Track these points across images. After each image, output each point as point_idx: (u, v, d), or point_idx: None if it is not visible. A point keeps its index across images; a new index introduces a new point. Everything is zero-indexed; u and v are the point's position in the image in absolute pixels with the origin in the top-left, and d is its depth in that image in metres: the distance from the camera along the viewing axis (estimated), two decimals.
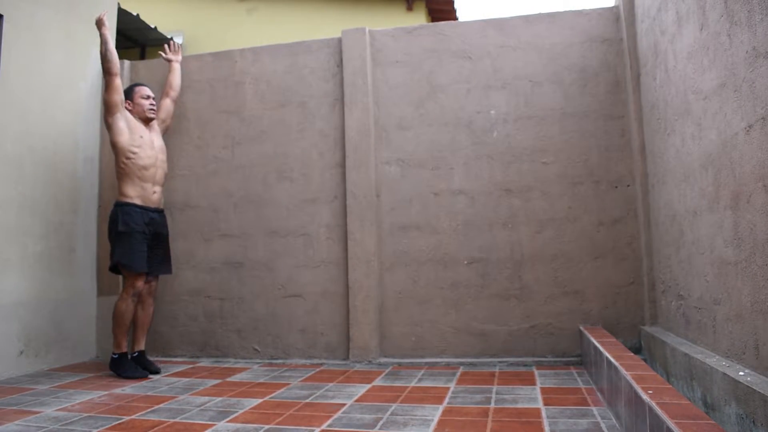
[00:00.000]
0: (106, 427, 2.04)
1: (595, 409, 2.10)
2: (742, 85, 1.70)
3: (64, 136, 3.50)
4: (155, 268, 3.15)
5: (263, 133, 3.60)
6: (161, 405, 2.36)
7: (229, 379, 2.88)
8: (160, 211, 3.20)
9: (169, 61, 3.58)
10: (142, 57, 6.15)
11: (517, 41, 3.33)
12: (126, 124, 3.10)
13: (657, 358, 2.64)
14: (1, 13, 3.05)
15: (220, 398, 2.46)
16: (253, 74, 3.67)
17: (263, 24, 6.42)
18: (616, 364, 1.96)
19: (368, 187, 3.35)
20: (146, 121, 3.22)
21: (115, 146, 3.08)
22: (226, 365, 3.30)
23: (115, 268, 3.05)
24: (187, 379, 2.90)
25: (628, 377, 1.75)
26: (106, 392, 2.62)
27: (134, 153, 3.07)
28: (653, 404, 1.45)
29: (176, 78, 3.54)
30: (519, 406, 2.20)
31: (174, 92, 3.50)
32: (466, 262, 3.23)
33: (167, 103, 3.44)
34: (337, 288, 3.36)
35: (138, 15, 5.40)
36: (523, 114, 3.27)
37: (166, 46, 3.62)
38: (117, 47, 4.21)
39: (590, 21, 3.27)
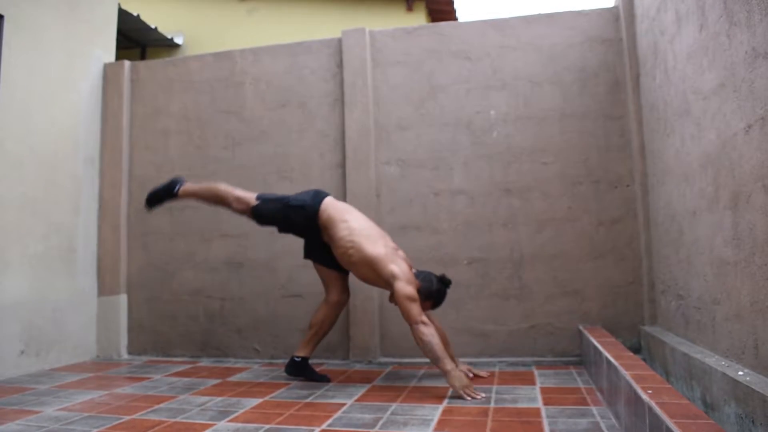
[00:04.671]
0: (107, 426, 2.05)
1: (594, 409, 2.10)
2: (742, 85, 1.70)
3: (65, 136, 3.51)
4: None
5: (263, 134, 3.60)
6: (161, 405, 2.36)
7: (229, 379, 2.89)
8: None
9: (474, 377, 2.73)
10: (143, 57, 6.16)
11: (517, 41, 3.33)
12: (381, 281, 2.64)
13: (656, 358, 2.64)
14: (2, 14, 3.05)
15: (220, 398, 2.47)
16: (253, 74, 3.67)
17: (263, 24, 6.42)
18: (616, 363, 1.97)
19: (368, 188, 3.35)
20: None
21: (364, 258, 2.61)
22: (226, 365, 3.30)
23: None
24: (188, 379, 2.90)
25: (628, 377, 1.75)
26: (106, 392, 2.62)
27: (347, 261, 2.69)
28: (653, 404, 1.45)
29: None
30: (519, 405, 2.20)
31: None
32: (465, 262, 3.23)
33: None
34: None
35: (138, 15, 5.41)
36: (523, 114, 3.27)
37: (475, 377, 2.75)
38: (117, 47, 4.24)
39: (590, 21, 3.27)
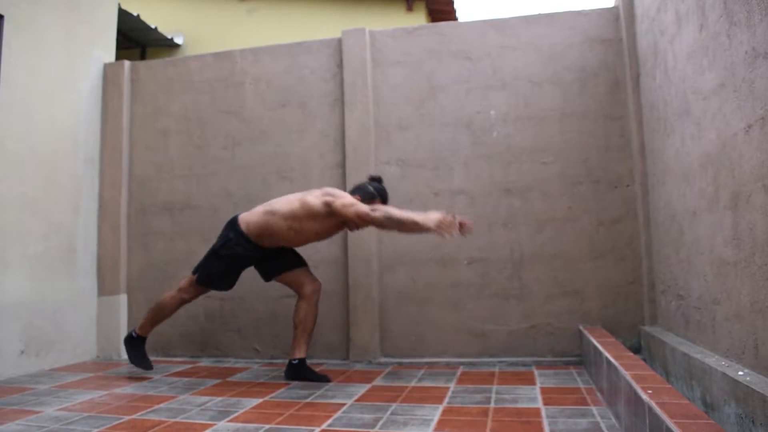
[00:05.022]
0: (107, 426, 2.05)
1: (594, 409, 2.10)
2: (742, 85, 1.70)
3: (65, 136, 3.51)
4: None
5: (263, 134, 3.60)
6: (161, 405, 2.36)
7: (229, 379, 2.89)
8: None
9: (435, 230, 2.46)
10: (143, 57, 6.16)
11: (517, 41, 3.33)
12: (330, 220, 2.71)
13: (656, 358, 2.64)
14: (2, 14, 3.05)
15: (220, 398, 2.47)
16: (253, 74, 3.67)
17: (263, 24, 6.42)
18: (616, 363, 1.97)
19: None
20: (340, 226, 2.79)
21: (300, 217, 2.69)
22: (226, 365, 3.31)
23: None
24: (188, 379, 2.90)
25: (628, 377, 1.75)
26: (106, 392, 2.62)
27: (297, 233, 2.74)
28: (653, 404, 1.45)
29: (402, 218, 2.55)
30: (519, 405, 2.20)
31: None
32: (465, 262, 3.23)
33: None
34: (337, 288, 3.36)
35: (138, 15, 5.42)
36: (523, 114, 3.27)
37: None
38: (117, 47, 4.24)
39: (590, 21, 3.27)
